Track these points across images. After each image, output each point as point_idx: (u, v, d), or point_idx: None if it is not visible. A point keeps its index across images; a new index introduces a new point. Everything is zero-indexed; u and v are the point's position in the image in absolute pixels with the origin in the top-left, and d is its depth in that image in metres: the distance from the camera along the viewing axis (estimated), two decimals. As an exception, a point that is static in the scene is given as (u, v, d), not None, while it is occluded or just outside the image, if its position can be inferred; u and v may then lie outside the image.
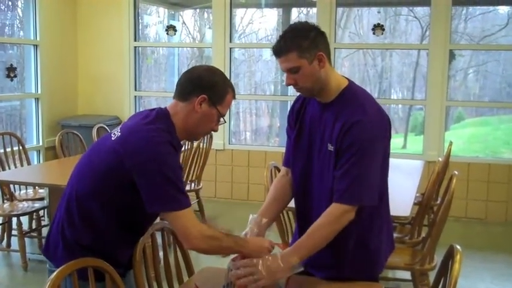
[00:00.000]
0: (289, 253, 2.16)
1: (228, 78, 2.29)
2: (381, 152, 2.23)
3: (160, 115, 2.15)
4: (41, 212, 5.19)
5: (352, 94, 2.26)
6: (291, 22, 8.13)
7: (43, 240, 5.06)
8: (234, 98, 2.25)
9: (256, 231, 2.34)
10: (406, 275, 4.08)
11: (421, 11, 8.47)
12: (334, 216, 2.18)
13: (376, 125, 2.20)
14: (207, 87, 2.15)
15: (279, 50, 2.22)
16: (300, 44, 2.17)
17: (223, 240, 2.13)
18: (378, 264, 2.41)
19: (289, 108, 2.51)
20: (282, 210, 2.65)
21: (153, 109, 2.20)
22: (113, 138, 2.11)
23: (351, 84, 2.31)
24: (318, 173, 2.33)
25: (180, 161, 2.26)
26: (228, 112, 2.28)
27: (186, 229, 2.06)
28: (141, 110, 5.46)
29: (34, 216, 5.20)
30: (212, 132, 2.29)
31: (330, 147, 2.25)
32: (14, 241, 4.99)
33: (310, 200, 2.38)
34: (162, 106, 2.23)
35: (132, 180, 2.03)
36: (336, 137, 2.21)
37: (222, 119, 2.21)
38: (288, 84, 2.29)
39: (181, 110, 2.16)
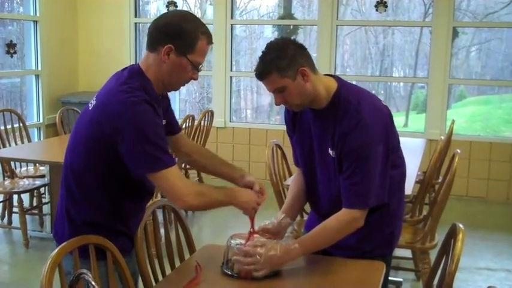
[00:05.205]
0: (292, 245, 2.18)
1: (208, 28, 2.10)
2: (382, 150, 2.20)
3: (132, 73, 2.07)
4: (42, 189, 5.19)
5: (344, 98, 2.24)
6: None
7: (44, 218, 5.11)
8: (210, 43, 2.13)
9: (277, 226, 2.38)
10: (407, 253, 4.10)
11: (424, -13, 8.37)
12: (343, 222, 2.22)
13: (373, 126, 2.18)
14: (172, 35, 2.03)
15: (260, 73, 2.20)
16: (279, 64, 2.15)
17: (212, 194, 2.13)
18: (393, 245, 2.47)
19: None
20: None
21: (125, 68, 2.14)
22: (90, 108, 2.07)
23: (340, 86, 2.28)
24: (321, 173, 2.36)
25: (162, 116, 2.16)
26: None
27: (175, 188, 2.03)
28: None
29: (35, 194, 5.21)
30: (192, 80, 2.16)
31: (331, 153, 2.27)
32: (15, 218, 5.00)
33: (318, 192, 2.42)
34: None
35: (117, 146, 1.98)
36: (336, 145, 2.22)
37: (201, 66, 2.11)
38: (278, 104, 2.28)
39: (153, 62, 2.08)
